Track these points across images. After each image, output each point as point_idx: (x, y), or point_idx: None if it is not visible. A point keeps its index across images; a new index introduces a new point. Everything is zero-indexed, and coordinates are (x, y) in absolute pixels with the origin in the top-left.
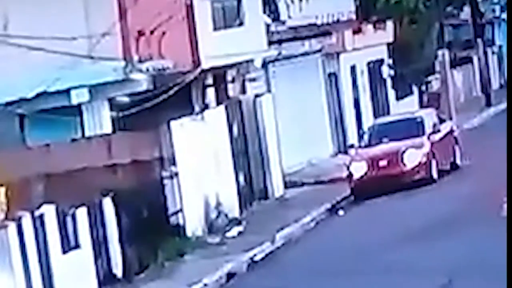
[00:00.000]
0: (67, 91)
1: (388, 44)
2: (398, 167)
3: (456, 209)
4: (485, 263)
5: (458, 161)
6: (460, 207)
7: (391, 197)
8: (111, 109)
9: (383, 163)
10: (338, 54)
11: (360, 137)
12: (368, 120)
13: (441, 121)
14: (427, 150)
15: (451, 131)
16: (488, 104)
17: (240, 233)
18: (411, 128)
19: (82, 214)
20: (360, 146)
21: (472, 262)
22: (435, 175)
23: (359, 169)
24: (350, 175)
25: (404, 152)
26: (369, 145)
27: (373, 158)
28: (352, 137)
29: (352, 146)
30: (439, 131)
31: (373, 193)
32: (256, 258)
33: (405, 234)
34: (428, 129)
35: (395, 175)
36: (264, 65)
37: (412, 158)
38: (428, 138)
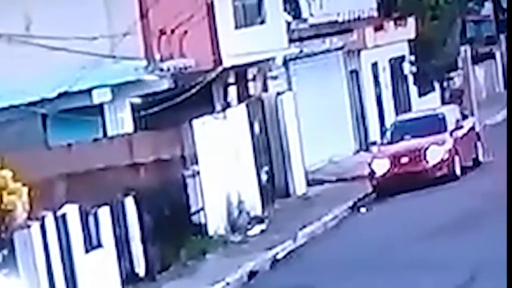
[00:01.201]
0: (89, 91)
1: (410, 41)
2: (421, 164)
3: (479, 206)
4: (506, 257)
5: (480, 158)
6: (483, 204)
7: (413, 194)
8: (133, 109)
9: (405, 160)
10: (359, 51)
11: (382, 134)
12: (390, 117)
13: (464, 117)
14: (449, 146)
15: (474, 127)
16: None
17: (262, 231)
18: (433, 124)
19: (104, 213)
20: (382, 143)
21: (495, 258)
22: (458, 171)
23: (381, 166)
24: (372, 172)
25: (426, 149)
26: (391, 142)
27: (395, 155)
28: (374, 134)
29: (374, 143)
30: (461, 127)
31: (396, 191)
32: (279, 257)
33: (428, 231)
34: (451, 126)
35: (418, 172)
36: (286, 63)
37: (435, 154)
38: (451, 134)
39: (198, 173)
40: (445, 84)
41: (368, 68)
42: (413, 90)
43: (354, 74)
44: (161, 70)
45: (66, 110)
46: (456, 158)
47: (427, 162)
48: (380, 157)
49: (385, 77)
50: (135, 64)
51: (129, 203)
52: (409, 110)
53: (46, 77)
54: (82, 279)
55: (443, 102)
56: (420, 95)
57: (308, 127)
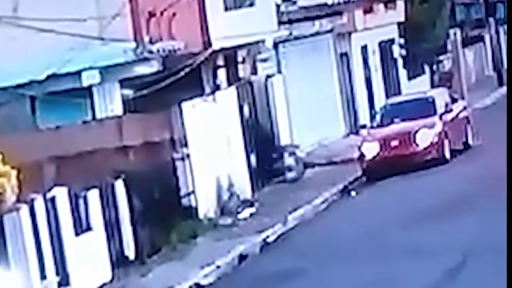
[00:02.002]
0: (78, 73)
1: (399, 24)
2: (410, 147)
3: (469, 188)
4: (497, 241)
5: (470, 141)
6: (473, 187)
7: (403, 177)
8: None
9: (395, 143)
10: (349, 34)
11: (372, 117)
12: (380, 100)
13: (453, 100)
14: (439, 130)
15: (463, 111)
16: (500, 83)
17: (252, 214)
18: (423, 108)
19: (94, 196)
20: (372, 127)
21: (486, 241)
22: (447, 155)
23: (371, 150)
24: (362, 155)
25: (416, 132)
26: (381, 125)
27: (385, 139)
28: (364, 118)
29: (364, 126)
30: (451, 110)
31: (385, 174)
32: (269, 240)
33: (418, 214)
34: (440, 109)
35: (407, 155)
36: (275, 45)
37: (424, 138)
38: (440, 118)
39: (188, 156)
40: (434, 67)
41: (358, 51)
42: (403, 73)
43: (344, 57)
44: (150, 52)
45: (55, 92)
46: (446, 142)
47: (417, 145)
48: (370, 140)
49: (374, 60)
50: (124, 46)
51: (119, 186)
52: (399, 93)
53: (35, 59)
54: (72, 262)
55: (433, 86)
56: (410, 78)
57: (298, 110)
